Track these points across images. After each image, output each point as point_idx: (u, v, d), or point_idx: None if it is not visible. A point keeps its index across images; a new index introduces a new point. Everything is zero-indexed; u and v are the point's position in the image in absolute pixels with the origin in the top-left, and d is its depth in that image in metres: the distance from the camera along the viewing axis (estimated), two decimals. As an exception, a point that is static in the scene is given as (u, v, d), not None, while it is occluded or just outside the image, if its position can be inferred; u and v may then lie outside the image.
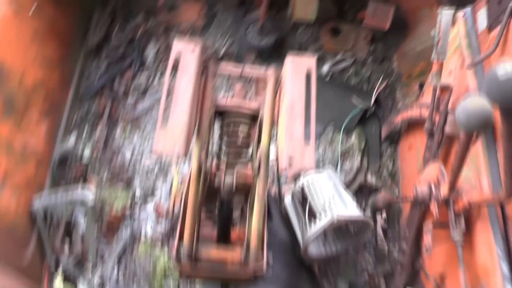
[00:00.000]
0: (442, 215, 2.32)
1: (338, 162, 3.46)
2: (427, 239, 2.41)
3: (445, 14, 2.36)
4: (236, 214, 2.88)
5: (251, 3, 4.03)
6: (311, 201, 2.87)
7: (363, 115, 3.61)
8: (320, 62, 3.92)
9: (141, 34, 3.84)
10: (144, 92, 3.64)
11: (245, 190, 2.36)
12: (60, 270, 2.98)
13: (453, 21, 2.60)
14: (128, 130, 3.49)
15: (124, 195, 3.22)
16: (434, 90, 2.51)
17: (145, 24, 3.89)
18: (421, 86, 3.42)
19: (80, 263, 3.04)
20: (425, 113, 2.80)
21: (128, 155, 3.41)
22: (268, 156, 2.09)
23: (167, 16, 3.93)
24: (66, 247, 3.03)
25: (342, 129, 3.53)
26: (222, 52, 3.81)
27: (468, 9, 2.58)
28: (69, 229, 3.06)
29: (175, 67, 2.06)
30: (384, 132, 3.53)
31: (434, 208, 2.30)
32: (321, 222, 2.79)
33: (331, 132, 3.59)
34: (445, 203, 2.25)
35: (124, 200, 3.19)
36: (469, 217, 2.22)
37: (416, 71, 3.59)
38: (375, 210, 3.25)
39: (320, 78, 3.82)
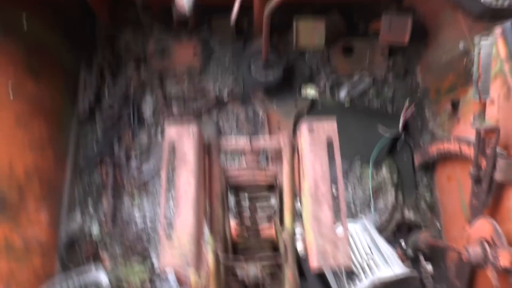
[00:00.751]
0: (503, 281, 1.99)
1: (370, 200, 3.11)
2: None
3: (484, 45, 1.97)
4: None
5: (249, 32, 3.65)
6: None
7: (392, 144, 3.25)
8: (336, 87, 3.55)
9: (134, 87, 3.50)
10: (147, 150, 3.34)
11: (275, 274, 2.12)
12: None
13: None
14: (137, 197, 3.20)
15: (141, 268, 2.95)
16: (478, 132, 2.14)
17: (136, 75, 3.54)
18: (454, 105, 3.04)
19: None
20: (465, 150, 2.44)
21: (140, 224, 3.13)
22: (294, 240, 1.82)
23: (160, 62, 3.57)
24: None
25: (370, 163, 3.18)
26: (225, 95, 3.47)
27: (508, 24, 2.18)
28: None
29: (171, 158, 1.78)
30: (417, 160, 3.16)
31: (492, 276, 1.96)
32: (361, 286, 2.49)
33: (359, 167, 3.24)
34: (506, 271, 1.91)
35: (141, 274, 2.93)
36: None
37: (445, 86, 3.19)
38: (417, 251, 2.91)
39: (339, 106, 3.46)
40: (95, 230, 3.09)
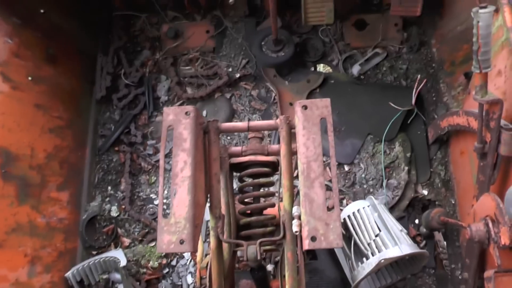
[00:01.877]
0: (507, 259, 1.96)
1: (383, 178, 3.09)
2: (489, 288, 2.04)
3: (483, 15, 1.90)
4: (270, 268, 2.69)
5: (261, 10, 3.65)
6: (355, 237, 2.58)
7: (405, 118, 3.19)
8: (349, 62, 3.51)
9: (149, 69, 3.59)
10: (164, 132, 3.42)
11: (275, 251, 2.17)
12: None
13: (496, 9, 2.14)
14: (153, 177, 3.31)
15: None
16: (481, 105, 2.09)
17: (151, 57, 3.64)
18: (467, 76, 2.96)
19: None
20: (473, 123, 2.38)
21: (157, 203, 3.23)
22: (291, 223, 1.84)
23: (173, 45, 3.63)
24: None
25: (383, 139, 3.14)
26: (238, 74, 3.48)
27: (514, -8, 2.09)
28: (110, 290, 2.98)
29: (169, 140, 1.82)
30: (431, 135, 3.10)
31: (494, 253, 1.94)
32: (368, 265, 2.50)
33: (371, 144, 3.20)
34: (510, 249, 1.89)
35: (159, 253, 3.04)
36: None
37: (460, 56, 3.09)
38: (431, 229, 2.89)
39: (351, 81, 3.42)
40: (114, 212, 3.21)
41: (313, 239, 1.57)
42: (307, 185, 1.66)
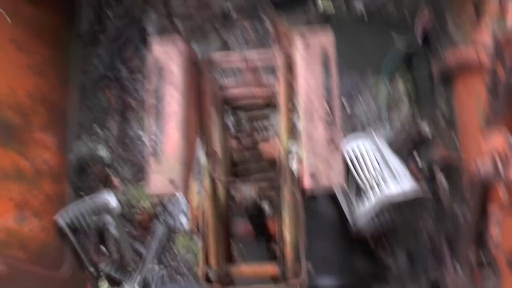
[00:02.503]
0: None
1: (384, 115, 2.96)
2: (494, 230, 1.97)
3: None
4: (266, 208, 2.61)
5: None
6: (355, 175, 2.50)
7: (409, 55, 3.01)
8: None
9: (137, 4, 3.31)
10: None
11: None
12: (103, 277, 2.88)
13: None
14: (144, 117, 3.14)
15: (151, 191, 2.97)
16: (496, 37, 1.92)
17: None
18: (477, 8, 2.76)
19: (121, 267, 2.91)
20: (484, 58, 2.22)
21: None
22: (288, 160, 1.75)
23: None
24: (104, 254, 2.91)
25: (384, 75, 2.98)
26: (231, 9, 3.23)
27: None
28: (102, 235, 2.91)
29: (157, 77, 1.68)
30: (435, 71, 2.94)
31: (502, 192, 1.85)
32: (369, 203, 2.44)
33: (373, 80, 3.05)
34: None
35: (152, 197, 2.96)
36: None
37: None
38: (432, 167, 2.81)
39: (354, 18, 3.20)
40: (103, 153, 3.09)
41: (313, 176, 1.47)
42: (307, 119, 1.54)
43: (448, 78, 2.93)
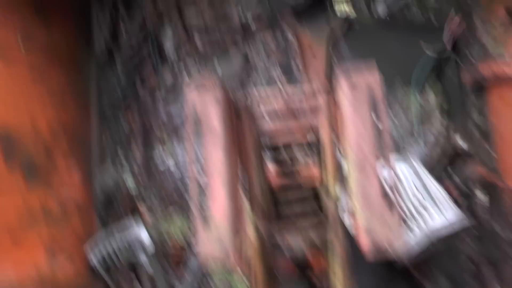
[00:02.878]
0: None
1: (417, 130, 2.85)
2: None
3: None
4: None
5: None
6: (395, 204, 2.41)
7: (439, 63, 2.89)
8: (372, 1, 3.12)
9: (152, 20, 3.16)
10: (174, 90, 3.09)
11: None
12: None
13: None
14: (168, 143, 3.06)
15: (181, 219, 2.90)
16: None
17: (152, 5, 3.18)
18: (510, 13, 2.63)
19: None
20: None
21: (175, 172, 2.98)
22: (338, 209, 1.67)
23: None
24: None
25: (414, 85, 2.86)
26: (249, 19, 3.10)
27: None
28: (135, 270, 2.83)
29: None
30: (468, 81, 2.82)
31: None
32: (413, 235, 2.35)
33: (401, 92, 2.93)
34: None
35: (182, 225, 2.88)
36: None
37: (499, -13, 2.75)
38: (470, 184, 2.70)
39: (377, 22, 3.07)
40: (129, 182, 2.99)
41: (371, 239, 1.38)
42: (358, 170, 1.44)
43: (481, 88, 2.82)
